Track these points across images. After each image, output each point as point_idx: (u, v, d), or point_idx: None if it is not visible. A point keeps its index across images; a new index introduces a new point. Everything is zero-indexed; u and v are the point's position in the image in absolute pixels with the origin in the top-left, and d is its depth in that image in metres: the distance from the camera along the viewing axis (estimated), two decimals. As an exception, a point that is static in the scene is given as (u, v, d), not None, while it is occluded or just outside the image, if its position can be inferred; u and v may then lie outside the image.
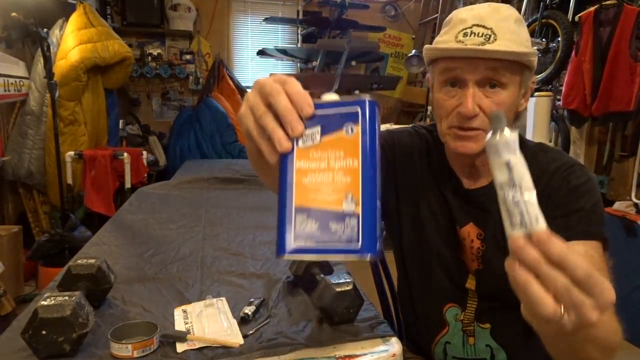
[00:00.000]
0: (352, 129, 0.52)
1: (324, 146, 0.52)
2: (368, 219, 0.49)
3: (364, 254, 0.49)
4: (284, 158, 0.54)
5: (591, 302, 0.46)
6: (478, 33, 0.82)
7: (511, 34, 0.82)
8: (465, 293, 0.99)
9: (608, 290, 0.46)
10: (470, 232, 0.96)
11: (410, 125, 1.12)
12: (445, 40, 0.86)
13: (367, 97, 0.52)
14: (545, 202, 0.86)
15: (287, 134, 0.53)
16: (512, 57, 0.81)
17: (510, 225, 0.50)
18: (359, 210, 0.50)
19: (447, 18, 0.89)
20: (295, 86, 0.55)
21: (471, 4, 4.67)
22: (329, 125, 0.53)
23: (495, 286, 0.91)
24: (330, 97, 0.55)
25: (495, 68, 0.82)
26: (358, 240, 0.49)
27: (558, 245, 0.46)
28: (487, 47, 0.81)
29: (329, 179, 0.52)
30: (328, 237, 0.51)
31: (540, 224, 0.48)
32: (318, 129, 0.53)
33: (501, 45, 0.81)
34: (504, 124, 0.51)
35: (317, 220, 0.51)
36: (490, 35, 0.81)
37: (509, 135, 0.51)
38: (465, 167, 0.96)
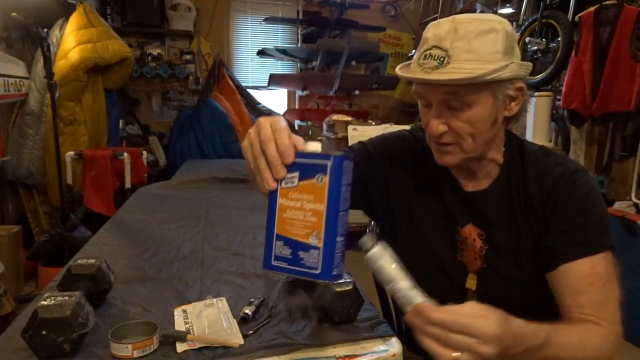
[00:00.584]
0: (321, 179, 0.65)
1: (300, 189, 0.66)
2: (327, 252, 0.65)
3: (321, 279, 0.66)
4: (272, 193, 0.69)
5: (476, 340, 0.61)
6: (434, 56, 0.81)
7: (468, 53, 0.80)
8: (465, 294, 0.99)
9: (487, 327, 0.62)
10: (471, 231, 0.96)
11: (409, 126, 1.12)
12: (414, 60, 0.86)
13: (337, 153, 0.65)
14: (551, 211, 0.89)
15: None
16: (460, 82, 0.80)
17: (404, 307, 0.68)
18: (321, 245, 0.65)
19: (424, 31, 0.88)
20: (284, 137, 0.67)
21: (471, 4, 4.68)
22: (306, 172, 0.66)
23: (497, 285, 0.93)
24: (313, 146, 0.68)
25: (454, 91, 0.82)
26: (317, 268, 0.66)
27: (433, 311, 0.63)
28: (436, 73, 0.80)
29: (301, 217, 0.67)
30: (297, 262, 0.67)
31: (418, 299, 0.67)
32: (297, 174, 0.67)
33: (453, 68, 0.79)
34: (368, 245, 0.70)
35: (290, 248, 0.68)
36: (444, 58, 0.80)
37: (373, 251, 0.70)
38: (462, 170, 0.97)
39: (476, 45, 0.80)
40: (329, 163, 0.64)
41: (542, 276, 0.91)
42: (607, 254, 0.85)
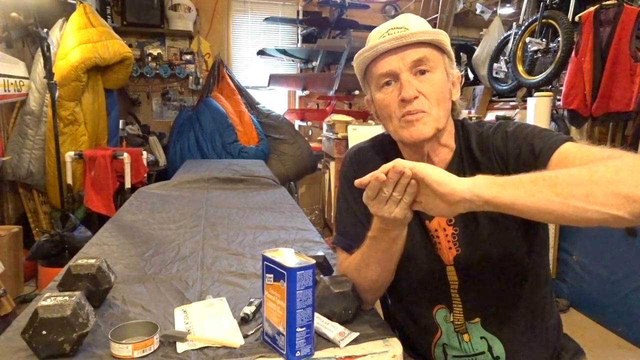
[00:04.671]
0: (282, 283, 0.82)
1: (274, 288, 0.84)
2: (290, 339, 0.82)
3: (286, 358, 0.84)
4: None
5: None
6: (394, 32, 0.94)
7: (421, 26, 0.95)
8: (448, 287, 1.01)
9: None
10: (439, 221, 1.00)
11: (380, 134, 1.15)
12: (373, 43, 0.96)
13: (293, 266, 0.80)
14: (500, 160, 0.94)
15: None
16: (427, 36, 0.93)
17: None
18: (285, 333, 0.83)
19: (369, 36, 1.00)
20: None
21: (471, 4, 4.66)
22: (276, 275, 0.83)
23: (475, 265, 0.97)
24: (286, 251, 0.86)
25: (421, 56, 0.93)
26: (284, 349, 0.84)
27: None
28: (409, 34, 0.92)
29: (275, 308, 0.84)
30: (275, 341, 0.86)
31: None
32: (272, 275, 0.84)
33: (416, 33, 0.92)
34: None
35: (273, 330, 0.86)
36: (404, 30, 0.93)
37: None
38: (420, 159, 1.00)
39: (425, 25, 0.97)
40: (286, 274, 0.81)
41: (509, 243, 0.95)
42: (568, 143, 0.87)
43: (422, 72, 0.94)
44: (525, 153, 0.90)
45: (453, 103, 1.01)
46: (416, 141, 0.95)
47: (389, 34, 0.94)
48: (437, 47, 0.95)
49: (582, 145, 0.85)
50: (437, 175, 0.75)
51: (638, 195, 0.68)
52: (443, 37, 0.95)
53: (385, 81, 0.96)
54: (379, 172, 0.78)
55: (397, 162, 0.77)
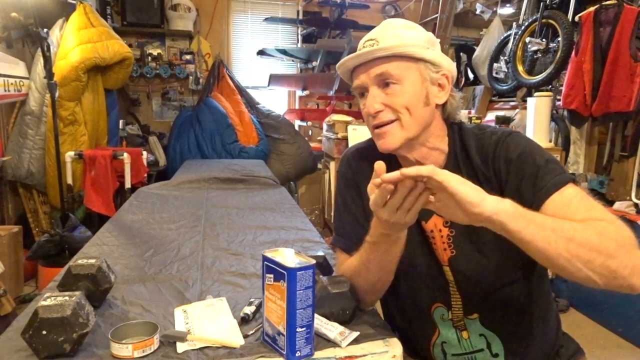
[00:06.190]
0: (283, 283, 0.82)
1: (274, 288, 0.84)
2: (290, 339, 0.83)
3: (288, 359, 0.83)
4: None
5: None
6: (366, 45, 0.97)
7: (393, 37, 0.95)
8: (447, 284, 1.01)
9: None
10: (436, 222, 1.00)
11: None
12: (340, 65, 1.02)
13: (293, 266, 0.80)
14: (500, 175, 0.94)
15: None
16: (391, 51, 0.94)
17: None
18: (285, 333, 0.83)
19: None
20: None
21: (471, 4, 4.66)
22: (276, 276, 0.84)
23: (470, 267, 0.98)
24: (286, 251, 0.86)
25: (385, 70, 0.95)
26: (284, 349, 0.84)
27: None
28: (367, 51, 0.95)
29: (275, 308, 0.85)
30: (275, 341, 0.86)
31: None
32: (272, 275, 0.84)
33: (382, 47, 0.94)
34: None
35: (273, 330, 0.86)
36: (374, 43, 0.95)
37: None
38: (411, 163, 1.01)
39: (400, 32, 0.97)
40: (286, 274, 0.81)
41: (509, 250, 0.91)
42: (569, 185, 0.88)
43: (387, 84, 0.96)
44: (525, 186, 0.90)
45: (443, 106, 1.01)
46: (385, 152, 0.98)
47: (363, 47, 0.97)
48: (408, 57, 0.95)
49: (580, 192, 0.87)
50: (469, 194, 0.73)
51: (620, 274, 0.76)
52: (411, 49, 0.94)
53: (360, 92, 1.01)
54: (390, 178, 0.75)
55: (414, 169, 0.74)
